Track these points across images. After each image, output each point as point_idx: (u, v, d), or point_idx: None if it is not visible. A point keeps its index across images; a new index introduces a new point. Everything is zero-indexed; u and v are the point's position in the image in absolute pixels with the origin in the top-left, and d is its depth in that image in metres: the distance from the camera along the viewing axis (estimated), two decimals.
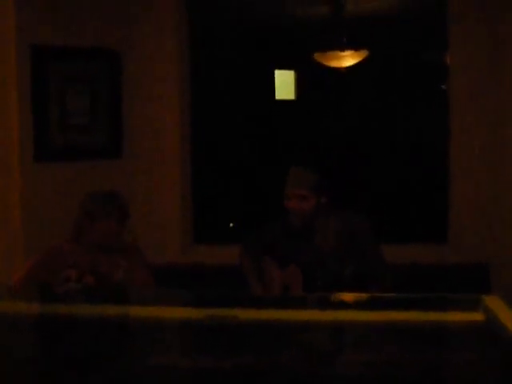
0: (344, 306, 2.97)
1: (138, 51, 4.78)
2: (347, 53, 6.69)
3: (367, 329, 2.62)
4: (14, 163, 4.45)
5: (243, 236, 3.96)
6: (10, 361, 2.30)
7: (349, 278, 3.50)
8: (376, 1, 6.50)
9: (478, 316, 2.63)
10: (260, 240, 3.80)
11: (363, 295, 3.05)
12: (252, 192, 7.63)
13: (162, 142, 4.86)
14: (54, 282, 3.43)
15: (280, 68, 9.24)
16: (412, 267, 4.49)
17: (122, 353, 2.42)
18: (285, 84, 9.34)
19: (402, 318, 2.67)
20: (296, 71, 9.36)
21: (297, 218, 3.55)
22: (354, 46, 6.65)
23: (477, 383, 2.15)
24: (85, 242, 3.57)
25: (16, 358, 2.35)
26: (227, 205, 7.46)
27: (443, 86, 5.78)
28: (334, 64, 6.82)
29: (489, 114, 4.70)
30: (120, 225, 3.57)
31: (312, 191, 3.52)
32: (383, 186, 7.44)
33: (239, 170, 7.86)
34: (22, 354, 2.43)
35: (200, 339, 2.58)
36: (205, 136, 5.59)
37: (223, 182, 7.52)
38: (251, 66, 8.49)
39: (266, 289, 3.61)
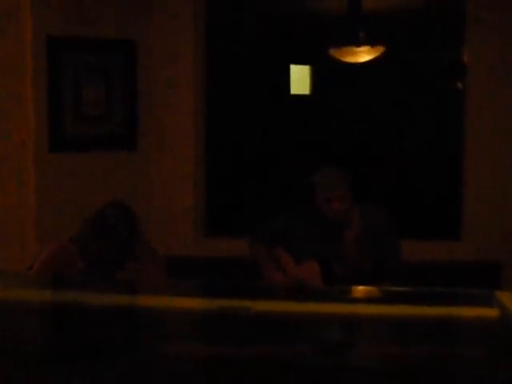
0: (357, 299, 2.97)
1: (154, 42, 4.78)
2: (363, 48, 6.66)
3: (380, 322, 2.62)
4: (28, 153, 4.46)
5: (254, 227, 3.90)
6: (23, 349, 2.31)
7: (369, 271, 3.50)
8: None
9: (491, 312, 2.61)
10: (273, 230, 3.76)
11: (377, 289, 3.04)
12: (265, 185, 7.62)
13: (177, 133, 4.86)
14: None
15: (295, 63, 9.24)
16: (424, 264, 4.48)
17: (133, 342, 2.43)
18: (300, 79, 9.34)
19: (416, 312, 2.66)
20: (311, 66, 9.36)
21: (339, 216, 3.56)
22: (371, 42, 6.63)
23: (489, 379, 2.14)
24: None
25: (28, 346, 2.36)
26: (241, 197, 7.45)
27: (459, 85, 5.75)
28: (349, 59, 6.80)
29: (505, 112, 4.68)
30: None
31: (348, 190, 3.57)
32: (396, 184, 7.42)
33: (253, 163, 7.84)
34: (34, 342, 2.43)
35: (213, 330, 2.58)
36: (219, 128, 5.59)
37: (237, 174, 7.51)
38: (267, 61, 8.47)
39: (285, 276, 3.58)
